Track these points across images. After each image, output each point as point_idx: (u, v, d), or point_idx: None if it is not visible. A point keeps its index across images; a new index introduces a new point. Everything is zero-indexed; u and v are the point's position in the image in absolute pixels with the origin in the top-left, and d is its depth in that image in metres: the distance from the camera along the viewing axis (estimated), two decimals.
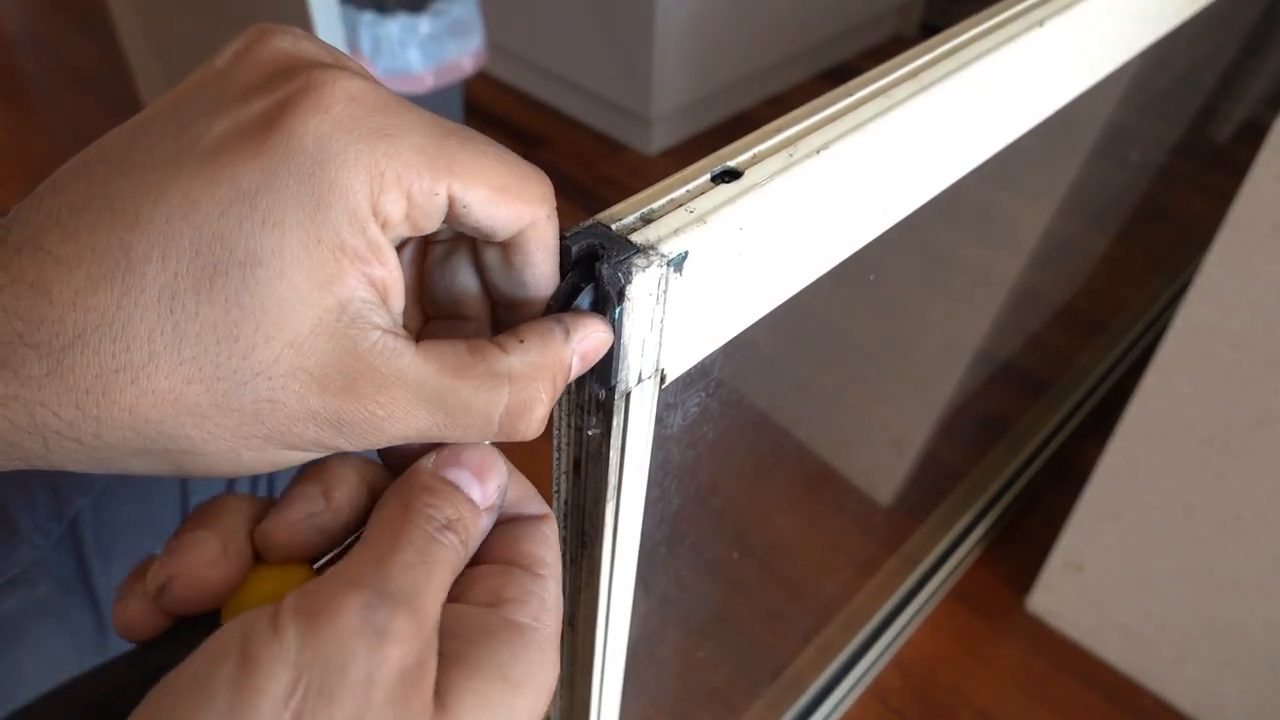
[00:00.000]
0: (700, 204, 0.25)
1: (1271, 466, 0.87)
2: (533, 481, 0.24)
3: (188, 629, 0.21)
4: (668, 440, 0.37)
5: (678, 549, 0.57)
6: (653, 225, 0.24)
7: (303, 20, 1.02)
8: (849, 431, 1.00)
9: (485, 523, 0.22)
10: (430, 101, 1.28)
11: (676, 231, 0.24)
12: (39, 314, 0.17)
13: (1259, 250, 0.79)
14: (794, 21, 2.05)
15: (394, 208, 0.19)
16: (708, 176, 0.26)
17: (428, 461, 0.22)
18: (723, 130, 2.08)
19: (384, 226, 0.19)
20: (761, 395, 0.54)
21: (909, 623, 1.14)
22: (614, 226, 0.24)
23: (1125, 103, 0.85)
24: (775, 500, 0.85)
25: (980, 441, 1.28)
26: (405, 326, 0.21)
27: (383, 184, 0.19)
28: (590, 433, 0.27)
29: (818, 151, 0.27)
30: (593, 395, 0.26)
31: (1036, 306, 1.18)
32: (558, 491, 0.30)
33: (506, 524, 0.23)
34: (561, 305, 0.23)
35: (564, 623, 0.36)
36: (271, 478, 0.51)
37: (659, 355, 0.26)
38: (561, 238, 0.23)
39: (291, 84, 0.19)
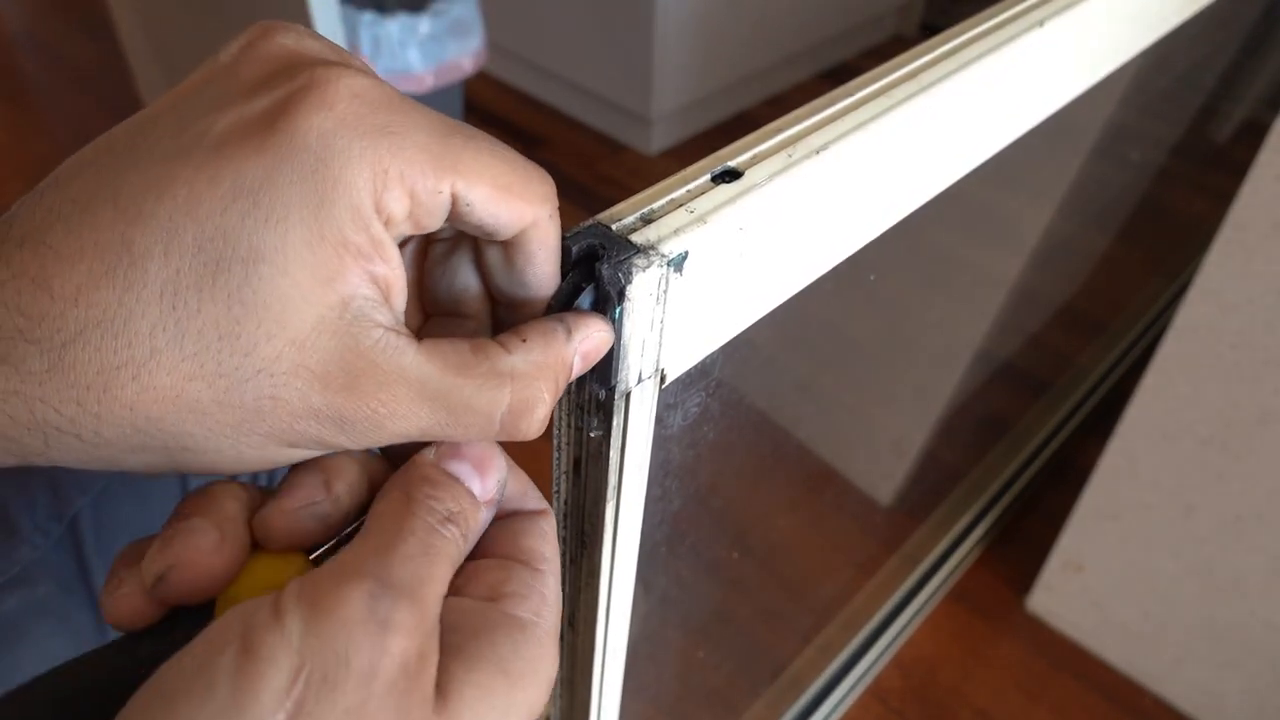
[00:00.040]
0: (700, 204, 0.25)
1: (1271, 466, 0.87)
2: (533, 481, 0.24)
3: (181, 619, 0.20)
4: (668, 440, 0.37)
5: (678, 549, 0.57)
6: (653, 225, 0.24)
7: (303, 20, 1.02)
8: (849, 431, 1.00)
9: (485, 516, 0.22)
10: (430, 101, 1.28)
11: (677, 232, 0.24)
12: (40, 309, 0.17)
13: (1259, 250, 0.79)
14: (794, 21, 2.05)
15: (397, 205, 0.19)
16: (708, 177, 0.26)
17: (429, 454, 0.22)
18: (723, 130, 2.08)
19: (387, 224, 0.19)
20: (761, 395, 0.54)
21: (909, 623, 1.14)
22: (614, 226, 0.24)
23: (1125, 103, 0.85)
24: (775, 500, 0.85)
25: (980, 441, 1.28)
26: (406, 325, 0.20)
27: (386, 181, 0.19)
28: (591, 433, 0.27)
29: (817, 152, 0.27)
30: (593, 395, 0.26)
31: (1036, 306, 1.18)
32: (558, 491, 0.30)
33: (506, 519, 0.23)
34: (562, 305, 0.23)
35: (564, 623, 0.36)
36: (271, 476, 0.51)
37: (659, 355, 0.26)
38: (561, 238, 0.23)
39: (295, 80, 0.19)
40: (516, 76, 2.19)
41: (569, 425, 0.28)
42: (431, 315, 0.25)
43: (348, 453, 0.22)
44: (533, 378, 0.21)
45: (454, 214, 0.20)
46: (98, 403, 0.17)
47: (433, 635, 0.18)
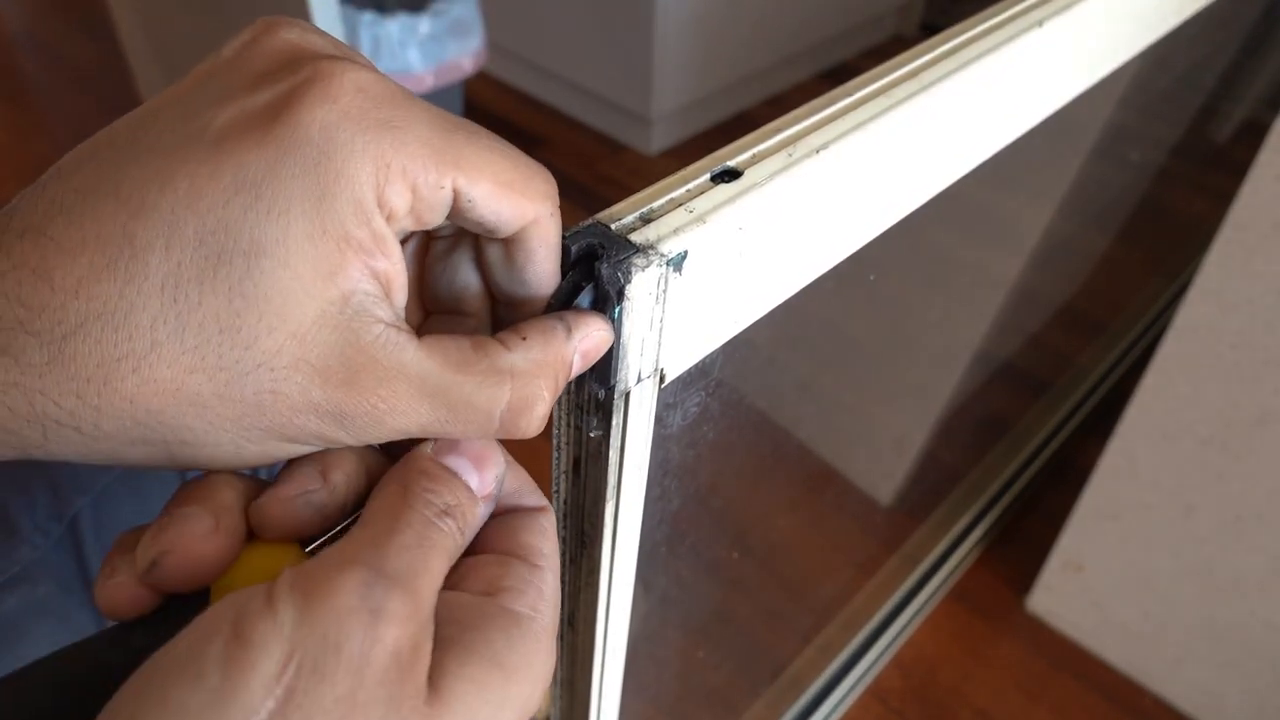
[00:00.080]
0: (700, 204, 0.25)
1: (1271, 466, 0.87)
2: (532, 479, 0.24)
3: (175, 608, 0.20)
4: (667, 440, 0.37)
5: (678, 549, 0.57)
6: (652, 225, 0.24)
7: (303, 20, 1.02)
8: (849, 431, 1.00)
9: (482, 511, 0.22)
10: (430, 101, 1.28)
11: (676, 231, 0.24)
12: (41, 301, 0.17)
13: (1259, 250, 0.79)
14: (794, 21, 2.05)
15: (399, 200, 0.19)
16: (707, 176, 0.26)
17: (426, 447, 0.22)
18: (723, 130, 2.08)
19: (389, 219, 0.19)
20: (761, 395, 0.54)
21: (909, 623, 1.14)
22: (613, 226, 0.24)
23: (1125, 103, 0.85)
24: (775, 500, 0.85)
25: (980, 441, 1.28)
26: (406, 321, 0.20)
27: (388, 175, 0.19)
28: (590, 432, 0.27)
29: (817, 151, 0.27)
30: (592, 395, 0.26)
31: (1036, 306, 1.18)
32: (557, 491, 0.30)
33: (504, 515, 0.23)
34: (562, 304, 0.23)
35: (564, 622, 0.36)
36: (271, 472, 0.51)
37: (658, 355, 0.26)
38: (561, 237, 0.23)
39: (298, 74, 0.19)
40: (516, 76, 2.19)
41: (568, 425, 0.28)
42: (432, 312, 0.25)
43: (346, 446, 0.22)
44: (532, 375, 0.21)
45: (455, 210, 0.20)
46: (97, 395, 0.17)
47: (427, 626, 0.18)
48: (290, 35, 0.20)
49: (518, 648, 0.19)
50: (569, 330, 0.22)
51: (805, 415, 0.78)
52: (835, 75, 2.27)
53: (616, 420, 0.26)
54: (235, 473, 0.22)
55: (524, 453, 0.24)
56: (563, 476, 0.30)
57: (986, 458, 1.29)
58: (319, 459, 0.21)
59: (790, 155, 0.27)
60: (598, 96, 2.00)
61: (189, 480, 0.21)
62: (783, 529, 0.93)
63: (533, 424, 0.21)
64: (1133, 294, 1.55)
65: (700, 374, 0.33)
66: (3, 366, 0.17)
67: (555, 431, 0.28)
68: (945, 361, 1.01)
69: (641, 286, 0.23)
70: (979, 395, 1.13)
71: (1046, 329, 1.28)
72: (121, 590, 0.20)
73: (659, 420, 0.29)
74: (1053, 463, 1.33)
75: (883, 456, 1.09)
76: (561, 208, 0.22)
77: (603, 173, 1.95)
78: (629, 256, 0.23)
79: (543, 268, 0.22)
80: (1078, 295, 1.31)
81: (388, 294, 0.20)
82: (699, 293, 0.26)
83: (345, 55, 0.20)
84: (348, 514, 0.22)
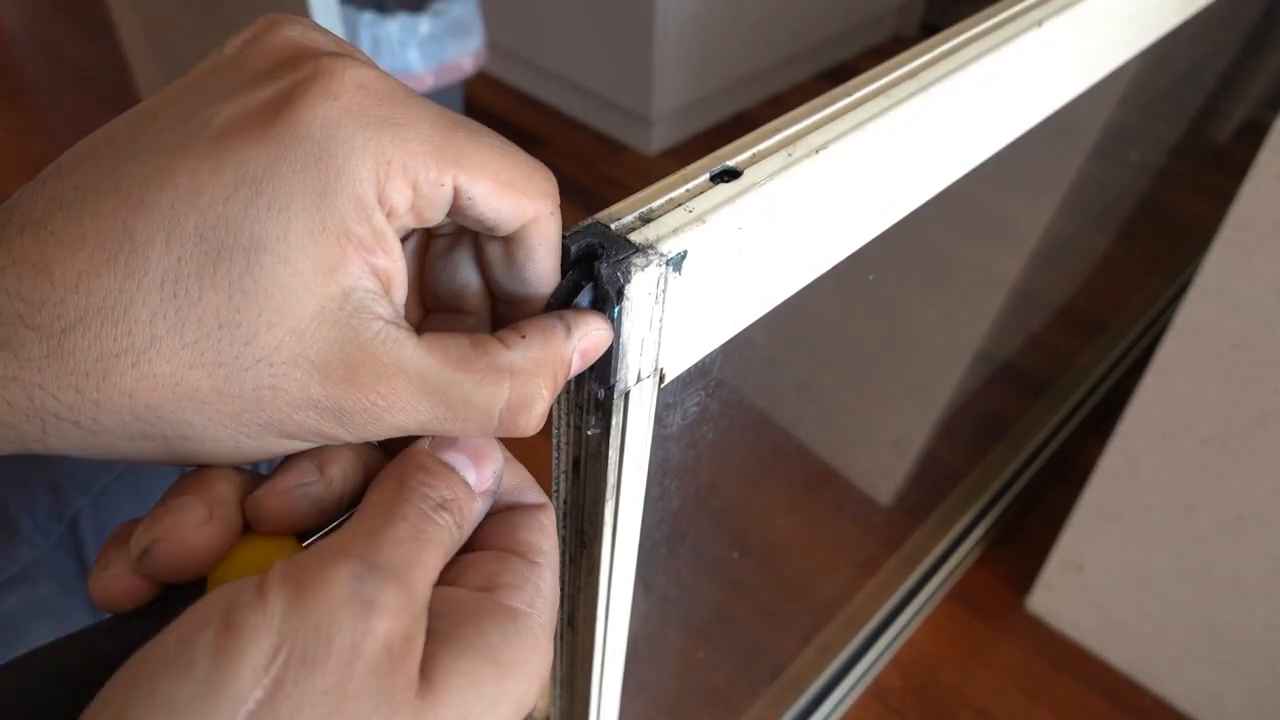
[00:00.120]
0: (699, 203, 0.25)
1: (1271, 466, 0.87)
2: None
3: (170, 599, 0.20)
4: (667, 440, 0.37)
5: (678, 549, 0.57)
6: (652, 225, 0.24)
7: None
8: (849, 431, 1.00)
9: (480, 507, 0.22)
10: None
11: (675, 231, 0.24)
12: (40, 295, 0.17)
13: (1259, 250, 0.79)
14: (794, 21, 2.05)
15: (400, 197, 0.19)
16: (707, 176, 0.26)
17: (424, 443, 0.22)
18: (723, 130, 2.08)
19: (389, 215, 0.19)
20: (761, 395, 0.54)
21: (909, 623, 1.14)
22: (613, 226, 0.24)
23: (1125, 103, 0.85)
24: (775, 500, 0.85)
25: (980, 441, 1.28)
26: (406, 319, 0.20)
27: (389, 172, 0.19)
28: (589, 432, 0.27)
29: (817, 151, 0.27)
30: (592, 394, 0.26)
31: (1036, 306, 1.18)
32: (557, 490, 0.30)
33: (504, 512, 0.23)
34: (561, 303, 0.23)
35: (564, 622, 0.36)
36: (271, 468, 0.51)
37: (658, 354, 0.26)
38: (561, 236, 0.23)
39: (300, 71, 0.19)
40: (516, 76, 2.19)
41: (568, 424, 0.28)
42: (431, 310, 0.25)
43: (345, 443, 0.22)
44: (532, 374, 0.21)
45: (455, 208, 0.20)
46: (97, 390, 0.17)
47: (420, 619, 0.18)
48: (292, 33, 0.20)
49: (514, 643, 0.19)
50: (568, 329, 0.22)
51: (805, 415, 0.78)
52: (835, 75, 2.27)
53: (616, 420, 0.26)
54: (233, 467, 0.21)
55: (524, 452, 0.24)
56: (562, 476, 0.30)
57: (986, 458, 1.29)
58: (316, 454, 0.21)
59: (790, 155, 0.27)
60: (598, 96, 2.00)
61: (186, 473, 0.21)
62: (783, 529, 0.93)
63: (532, 422, 0.21)
64: (1133, 294, 1.55)
65: (700, 374, 0.33)
66: (2, 361, 0.17)
67: (555, 431, 0.28)
68: (945, 361, 1.01)
69: (641, 286, 0.23)
70: (979, 395, 1.13)
71: (1046, 329, 1.28)
72: (116, 581, 0.20)
73: (659, 420, 0.29)
74: (1053, 463, 1.33)
75: (883, 456, 1.09)
76: (561, 207, 0.22)
77: (603, 173, 1.95)
78: (628, 256, 0.23)
79: (542, 266, 0.22)
80: (1078, 295, 1.31)
81: (388, 291, 0.20)
82: (698, 292, 0.26)
83: (347, 52, 0.20)
84: (345, 509, 0.22)
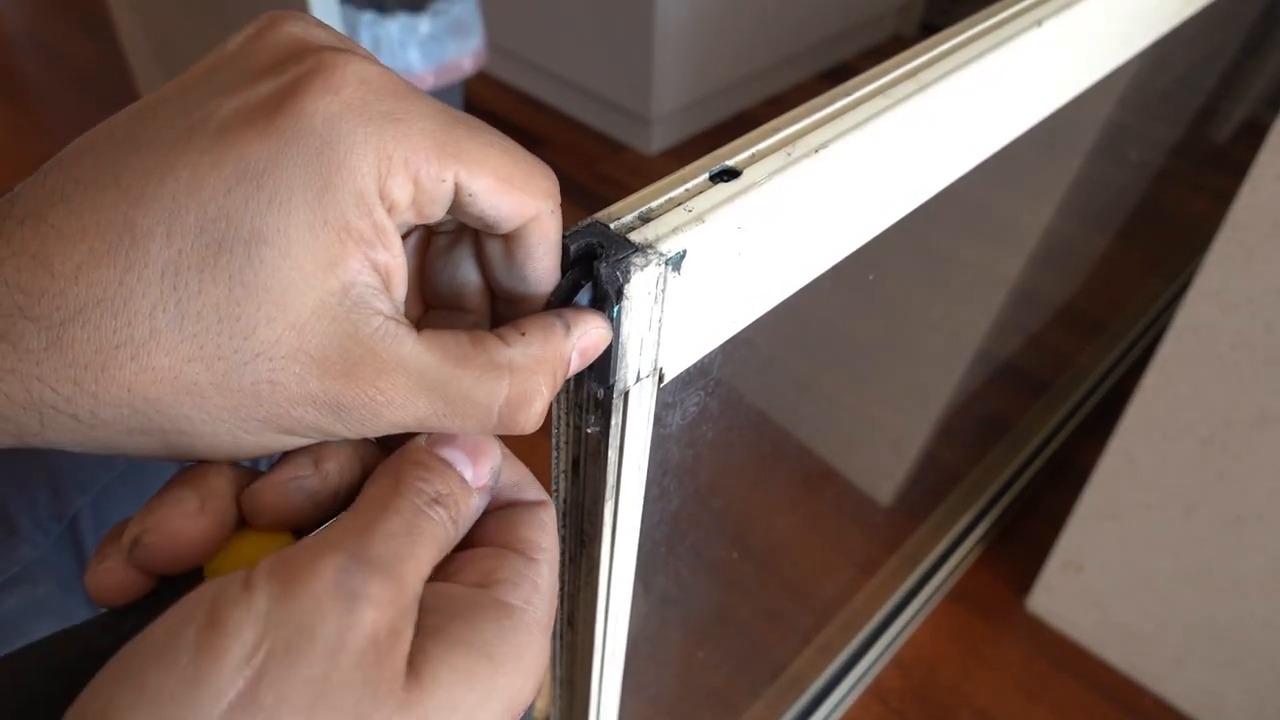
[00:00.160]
0: (698, 203, 0.25)
1: (1271, 466, 0.87)
2: None
3: (166, 594, 0.20)
4: (667, 439, 0.37)
5: (677, 549, 0.57)
6: (651, 224, 0.24)
7: None
8: (849, 431, 1.00)
9: (477, 503, 0.22)
10: None
11: (675, 230, 0.24)
12: (40, 287, 0.17)
13: (1259, 250, 0.79)
14: (794, 21, 2.05)
15: (401, 192, 0.19)
16: (706, 175, 0.26)
17: (421, 439, 0.22)
18: (723, 130, 2.08)
19: (390, 211, 0.19)
20: (761, 395, 0.54)
21: (909, 623, 1.14)
22: (612, 225, 0.24)
23: (1125, 103, 0.85)
24: (775, 500, 0.86)
25: (980, 441, 1.28)
26: (406, 316, 0.20)
27: (390, 167, 0.19)
28: (589, 431, 0.27)
29: (816, 151, 0.27)
30: (591, 394, 0.26)
31: (1036, 306, 1.18)
32: (556, 490, 0.30)
33: (503, 509, 0.23)
34: (561, 302, 0.23)
35: (564, 622, 0.36)
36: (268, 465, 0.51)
37: (657, 354, 0.26)
38: (561, 235, 0.23)
39: (302, 66, 0.19)
40: (516, 76, 2.19)
41: (568, 424, 0.28)
42: (431, 307, 0.25)
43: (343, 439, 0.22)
44: (531, 371, 0.21)
45: (456, 204, 0.20)
46: (95, 382, 0.17)
47: (409, 612, 0.18)
48: (294, 28, 0.20)
49: (508, 639, 0.19)
50: (567, 327, 0.22)
51: (805, 415, 0.78)
52: (835, 75, 2.27)
53: (615, 419, 0.26)
54: (230, 463, 0.21)
55: (523, 451, 0.24)
56: (562, 476, 0.30)
57: (986, 458, 1.29)
58: (313, 449, 0.21)
59: (789, 155, 0.27)
60: (598, 96, 2.00)
61: (183, 468, 0.21)
62: (782, 529, 0.93)
63: (530, 419, 0.21)
64: (1133, 294, 1.55)
65: (699, 373, 0.33)
66: (0, 352, 0.17)
67: (554, 430, 0.28)
68: (945, 361, 1.01)
69: (640, 286, 0.23)
70: (979, 395, 1.13)
71: (1046, 329, 1.28)
72: (110, 575, 0.20)
73: (658, 420, 0.29)
74: (1053, 463, 1.33)
75: (883, 456, 1.09)
76: (561, 207, 0.22)
77: (603, 172, 1.95)
78: (628, 256, 0.23)
79: (542, 265, 0.22)
80: (1078, 295, 1.31)
81: (388, 286, 0.20)
82: (698, 292, 0.26)
83: (348, 48, 0.20)
84: (341, 505, 0.22)
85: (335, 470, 0.21)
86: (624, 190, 0.24)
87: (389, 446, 0.23)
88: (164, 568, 0.20)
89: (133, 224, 0.17)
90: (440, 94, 1.31)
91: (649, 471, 0.30)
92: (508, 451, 0.23)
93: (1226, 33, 1.05)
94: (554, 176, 0.22)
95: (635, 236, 0.23)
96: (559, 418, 0.28)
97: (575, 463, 0.29)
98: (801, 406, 0.76)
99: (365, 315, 0.19)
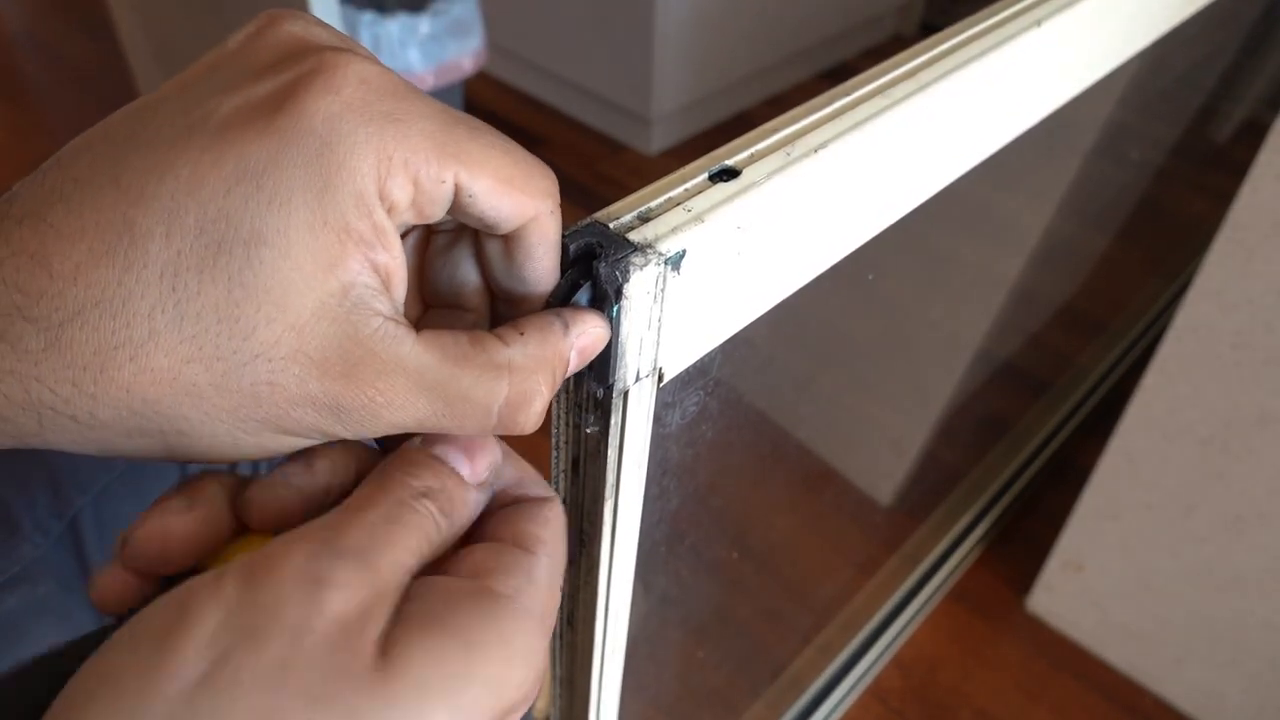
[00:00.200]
0: (698, 203, 0.25)
1: (1271, 466, 0.87)
2: None
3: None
4: (666, 439, 0.37)
5: (677, 548, 0.57)
6: (650, 224, 0.24)
7: None
8: (849, 431, 1.00)
9: (475, 498, 0.22)
10: None
11: (674, 230, 0.24)
12: (39, 287, 0.17)
13: (1259, 250, 0.79)
14: (794, 21, 2.05)
15: (401, 192, 0.19)
16: (706, 175, 0.26)
17: (415, 440, 0.22)
18: (723, 130, 2.08)
19: (390, 211, 0.19)
20: (761, 395, 0.54)
21: (909, 623, 1.14)
22: (612, 225, 0.24)
23: (1125, 103, 0.85)
24: (775, 500, 0.86)
25: (980, 441, 1.28)
26: (404, 315, 0.20)
27: (390, 168, 0.19)
28: (588, 431, 0.27)
29: (816, 150, 0.27)
30: (591, 393, 0.26)
31: (1036, 306, 1.18)
32: (556, 489, 0.30)
33: (510, 506, 0.23)
34: (560, 302, 0.23)
35: (564, 621, 0.36)
36: (272, 467, 0.51)
37: (657, 354, 0.26)
38: (561, 235, 0.23)
39: (302, 65, 0.19)
40: (516, 76, 2.19)
41: (567, 423, 0.28)
42: (431, 307, 0.25)
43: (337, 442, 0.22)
44: (530, 371, 0.21)
45: (456, 205, 0.20)
46: (94, 383, 0.17)
47: (383, 598, 0.18)
48: (294, 28, 0.20)
49: (489, 624, 0.19)
50: (566, 326, 0.22)
51: (805, 415, 0.78)
52: (835, 75, 2.27)
53: (615, 419, 0.26)
54: (227, 471, 0.22)
55: (523, 451, 0.24)
56: (562, 475, 0.30)
57: (986, 458, 1.29)
58: (306, 452, 0.22)
59: (789, 154, 0.27)
60: (598, 96, 2.00)
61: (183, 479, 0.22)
62: (782, 529, 0.93)
63: (530, 419, 0.21)
64: (1133, 294, 1.55)
65: (699, 373, 0.33)
66: None
67: (554, 430, 0.28)
68: (945, 361, 1.01)
69: (639, 285, 0.23)
70: (979, 395, 1.13)
71: (1046, 329, 1.28)
72: (110, 581, 0.20)
73: (658, 419, 0.29)
74: (1053, 463, 1.33)
75: (883, 456, 1.09)
76: (561, 207, 0.22)
77: (603, 172, 1.95)
78: (627, 255, 0.23)
79: (542, 265, 0.22)
80: (1078, 295, 1.31)
81: (387, 287, 0.20)
82: (697, 292, 0.26)
83: (349, 47, 0.20)
84: (334, 505, 0.22)
85: (326, 468, 0.22)
86: (624, 190, 0.24)
87: (391, 449, 0.23)
88: (154, 566, 0.20)
89: (132, 224, 0.17)
90: (440, 94, 1.31)
91: (649, 471, 0.30)
92: (511, 450, 0.23)
93: (1226, 33, 1.05)
94: (554, 177, 0.22)
95: (635, 236, 0.23)
96: (559, 417, 0.28)
97: (575, 462, 0.29)
98: (801, 406, 0.76)
99: (365, 316, 0.19)
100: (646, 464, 0.30)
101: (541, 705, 0.74)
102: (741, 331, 0.30)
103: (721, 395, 0.39)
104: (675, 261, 0.24)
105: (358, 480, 0.22)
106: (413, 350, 0.20)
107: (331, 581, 0.17)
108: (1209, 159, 1.43)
